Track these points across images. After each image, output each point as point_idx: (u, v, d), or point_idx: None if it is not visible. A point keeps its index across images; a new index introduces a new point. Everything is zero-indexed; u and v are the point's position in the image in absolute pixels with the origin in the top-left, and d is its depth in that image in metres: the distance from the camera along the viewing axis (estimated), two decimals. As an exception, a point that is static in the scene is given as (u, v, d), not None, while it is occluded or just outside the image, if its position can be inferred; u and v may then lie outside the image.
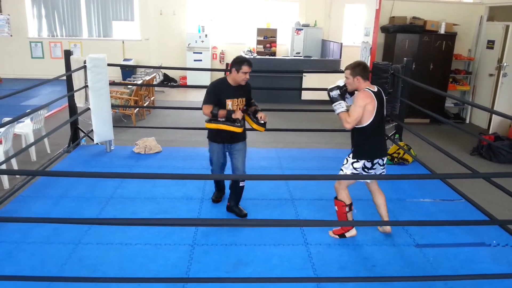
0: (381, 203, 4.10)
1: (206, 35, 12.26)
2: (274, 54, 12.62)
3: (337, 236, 4.08)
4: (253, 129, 4.40)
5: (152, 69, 10.95)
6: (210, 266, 3.61)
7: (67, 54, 6.21)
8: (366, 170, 3.85)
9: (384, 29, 8.58)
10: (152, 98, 9.32)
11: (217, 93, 4.18)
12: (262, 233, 4.11)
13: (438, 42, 8.49)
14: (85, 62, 6.02)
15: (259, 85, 10.10)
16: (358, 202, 4.63)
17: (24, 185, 4.94)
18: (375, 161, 3.84)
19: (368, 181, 4.06)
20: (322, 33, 12.48)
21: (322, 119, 8.72)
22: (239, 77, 4.19)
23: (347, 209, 3.93)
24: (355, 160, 3.86)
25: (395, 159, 6.16)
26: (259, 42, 12.70)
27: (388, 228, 4.14)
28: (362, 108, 3.66)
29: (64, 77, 6.12)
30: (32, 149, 5.92)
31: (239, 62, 4.19)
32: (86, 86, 6.20)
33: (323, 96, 10.49)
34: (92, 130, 6.21)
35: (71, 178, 5.14)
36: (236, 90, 4.24)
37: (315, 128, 7.79)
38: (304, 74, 10.00)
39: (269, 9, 12.87)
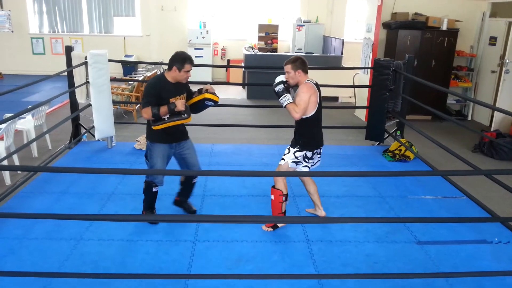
0: (314, 191, 4.23)
1: (207, 31, 12.23)
2: (275, 50, 12.60)
3: (270, 229, 4.09)
4: (209, 104, 4.16)
5: (153, 65, 10.92)
6: (212, 263, 3.61)
7: (68, 50, 6.19)
8: (306, 160, 3.99)
9: (386, 25, 8.55)
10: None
11: (158, 93, 3.82)
12: (263, 229, 4.10)
13: (440, 39, 8.46)
14: (86, 58, 6.01)
15: (261, 82, 10.13)
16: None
17: (26, 181, 4.95)
18: (315, 151, 4.01)
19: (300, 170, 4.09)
20: (324, 29, 12.44)
21: (323, 115, 8.69)
22: (180, 76, 3.85)
23: (283, 198, 4.00)
24: (297, 149, 3.98)
25: (397, 156, 6.15)
26: (260, 38, 12.67)
27: (324, 215, 4.31)
28: (308, 98, 3.80)
29: (65, 73, 6.11)
30: (34, 145, 5.92)
31: (181, 60, 3.82)
32: (87, 82, 6.19)
33: (325, 92, 10.46)
34: (93, 126, 6.21)
35: (73, 174, 5.15)
36: (177, 88, 3.95)
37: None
38: (305, 70, 9.95)
39: (270, 5, 12.83)
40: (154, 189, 4.13)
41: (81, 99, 6.37)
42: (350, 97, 10.16)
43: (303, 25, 12.18)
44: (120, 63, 11.85)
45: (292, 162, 4.00)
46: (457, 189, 5.10)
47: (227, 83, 12.45)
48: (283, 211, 4.07)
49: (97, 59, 5.90)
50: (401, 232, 4.15)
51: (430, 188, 5.20)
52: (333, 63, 10.52)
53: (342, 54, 10.63)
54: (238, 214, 4.41)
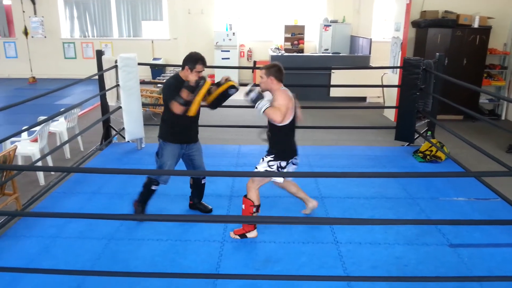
0: (296, 190, 4.20)
1: (233, 33, 12.29)
2: (302, 51, 12.54)
3: (237, 237, 3.98)
4: (232, 92, 4.11)
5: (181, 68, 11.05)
6: (240, 263, 3.62)
7: (99, 54, 6.34)
8: (280, 169, 3.87)
9: (415, 23, 8.39)
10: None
11: (178, 90, 3.85)
12: (291, 230, 4.09)
13: (472, 37, 8.24)
14: (116, 61, 6.14)
15: (287, 83, 10.09)
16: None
17: (59, 182, 5.09)
18: (290, 160, 3.90)
19: (278, 180, 4.04)
20: (351, 29, 12.31)
21: (351, 116, 8.64)
22: (192, 76, 3.88)
23: (254, 209, 3.87)
24: (272, 159, 3.87)
25: (428, 157, 6.02)
26: (286, 39, 12.64)
27: (315, 204, 4.28)
28: (287, 104, 3.71)
29: (96, 77, 6.25)
30: (66, 147, 6.08)
31: (193, 60, 3.89)
32: (117, 85, 6.31)
33: (352, 93, 10.46)
34: (123, 128, 6.33)
35: (104, 174, 5.26)
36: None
37: (344, 125, 7.71)
38: (332, 71, 9.90)
39: (296, 5, 12.79)
40: (153, 187, 4.21)
41: (111, 102, 6.50)
42: (379, 97, 10.02)
43: (330, 25, 12.08)
44: (149, 66, 12.04)
45: (265, 171, 3.89)
46: (491, 190, 4.94)
47: (254, 85, 12.44)
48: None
49: (127, 62, 6.01)
50: (433, 235, 4.06)
51: (463, 190, 5.07)
52: (361, 63, 10.39)
53: (370, 53, 10.49)
54: (265, 214, 4.41)
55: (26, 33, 12.69)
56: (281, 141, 3.88)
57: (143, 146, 6.46)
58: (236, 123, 7.59)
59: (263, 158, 3.97)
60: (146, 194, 4.26)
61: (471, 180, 5.25)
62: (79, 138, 6.36)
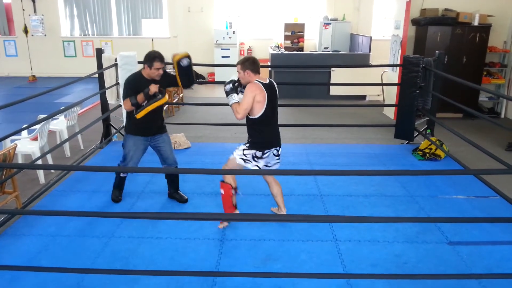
0: (277, 192, 4.19)
1: (233, 32, 12.29)
2: (301, 49, 12.54)
3: (226, 223, 4.12)
4: (186, 63, 4.20)
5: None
6: (239, 261, 3.63)
7: (99, 52, 6.34)
8: (256, 159, 3.92)
9: (415, 21, 8.39)
10: (181, 95, 9.42)
11: (135, 88, 4.07)
12: (290, 228, 4.10)
13: (472, 35, 8.24)
14: (116, 60, 6.14)
15: (287, 81, 10.11)
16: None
17: (59, 180, 5.10)
18: (266, 151, 3.94)
19: (250, 167, 4.02)
20: (351, 27, 12.30)
21: (351, 114, 8.64)
22: (152, 73, 4.10)
23: (233, 192, 3.98)
24: (246, 148, 3.95)
25: (427, 155, 6.03)
26: (286, 38, 12.63)
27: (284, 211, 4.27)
28: (251, 98, 3.74)
29: (96, 75, 6.26)
30: (66, 145, 6.08)
31: (151, 58, 4.08)
32: (117, 84, 6.32)
33: (352, 91, 10.47)
34: (123, 127, 6.33)
35: (104, 173, 5.27)
36: (156, 83, 4.14)
37: (344, 123, 7.71)
38: (332, 69, 9.90)
39: (296, 3, 12.78)
40: (122, 175, 4.63)
41: (111, 100, 6.51)
42: (378, 95, 10.02)
43: (330, 23, 12.08)
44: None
45: (240, 159, 3.95)
46: (490, 188, 4.95)
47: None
48: (234, 204, 4.04)
49: (127, 60, 6.01)
50: (432, 232, 4.07)
51: (462, 188, 5.07)
52: (361, 61, 10.40)
53: (369, 51, 10.48)
54: (265, 213, 4.42)
55: (26, 31, 12.67)
56: (255, 132, 3.93)
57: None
58: (236, 121, 7.58)
59: (240, 146, 4.04)
60: (118, 181, 4.65)
61: (471, 178, 5.26)
62: (79, 136, 6.36)
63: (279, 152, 4.08)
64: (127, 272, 3.37)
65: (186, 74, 4.25)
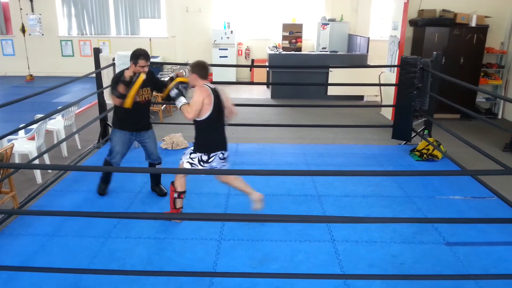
0: (240, 184, 4.21)
1: (231, 32, 12.29)
2: (299, 49, 12.54)
3: (168, 218, 4.24)
4: (183, 87, 4.20)
5: (178, 66, 11.05)
6: (237, 261, 3.63)
7: (96, 52, 6.33)
8: (202, 163, 4.00)
9: (412, 22, 8.41)
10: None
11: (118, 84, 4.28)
12: (288, 229, 4.10)
13: (469, 35, 8.26)
14: (113, 59, 6.13)
15: (285, 81, 10.12)
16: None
17: (56, 180, 5.08)
18: (212, 154, 4.01)
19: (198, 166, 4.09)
20: (349, 28, 12.32)
21: (348, 114, 8.65)
22: (137, 70, 4.27)
23: (176, 195, 4.14)
24: (192, 151, 4.04)
25: (424, 155, 6.04)
26: (284, 38, 12.63)
27: (257, 194, 4.23)
28: (201, 100, 3.86)
29: (94, 75, 6.25)
30: (64, 145, 6.07)
31: (135, 56, 4.26)
32: (114, 83, 6.29)
33: (350, 91, 10.47)
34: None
35: (99, 173, 5.25)
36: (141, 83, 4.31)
37: (341, 124, 7.72)
38: (330, 69, 9.91)
39: (294, 4, 12.79)
40: (157, 166, 4.79)
41: (109, 100, 6.48)
42: (376, 95, 10.03)
43: (328, 24, 12.08)
44: (146, 64, 12.01)
45: (187, 162, 4.02)
46: (487, 189, 4.95)
47: (252, 83, 12.48)
48: (177, 207, 4.15)
49: (124, 60, 5.99)
50: (429, 233, 4.08)
51: (459, 188, 5.09)
52: (359, 61, 10.41)
53: (367, 52, 10.50)
54: (262, 213, 4.42)
55: (23, 30, 12.63)
56: (201, 135, 4.02)
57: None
58: (233, 121, 7.58)
59: (188, 151, 4.14)
60: (105, 175, 4.81)
61: (468, 179, 5.27)
62: (76, 136, 6.35)
63: (225, 156, 4.14)
64: (124, 273, 3.36)
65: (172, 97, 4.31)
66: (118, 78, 4.31)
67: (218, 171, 4.32)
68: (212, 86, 4.01)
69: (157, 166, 4.79)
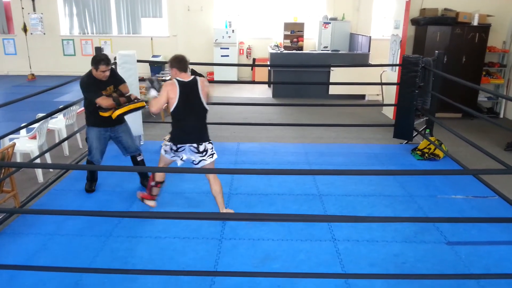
0: (217, 192, 4.22)
1: (233, 31, 12.28)
2: (301, 48, 12.53)
3: (140, 198, 4.45)
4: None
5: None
6: (238, 260, 3.63)
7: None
8: (174, 152, 4.11)
9: (414, 21, 8.39)
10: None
11: (97, 88, 4.44)
12: (289, 228, 4.10)
13: (471, 34, 8.24)
14: (115, 58, 6.12)
15: (286, 80, 10.11)
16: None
17: (58, 179, 5.09)
18: (179, 145, 4.07)
19: (166, 156, 4.20)
20: (350, 27, 12.30)
21: (350, 113, 8.64)
22: (98, 75, 4.41)
23: (153, 183, 4.32)
24: (167, 139, 4.15)
25: (426, 155, 6.03)
26: (286, 37, 12.62)
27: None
28: (165, 94, 3.98)
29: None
30: (65, 144, 6.08)
31: (96, 62, 4.38)
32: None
33: (351, 90, 10.46)
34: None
35: (103, 172, 5.26)
36: (105, 83, 4.51)
37: (343, 123, 7.71)
38: (331, 68, 9.91)
39: (296, 3, 12.77)
40: (139, 158, 4.93)
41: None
42: (378, 94, 10.02)
43: (329, 23, 12.07)
44: (148, 63, 12.02)
45: (163, 150, 4.17)
46: (489, 188, 4.95)
47: (253, 82, 12.47)
48: (152, 194, 4.35)
49: (126, 59, 6.00)
50: (430, 232, 4.07)
51: (461, 188, 5.08)
52: (360, 60, 10.40)
53: (369, 51, 10.48)
54: (264, 212, 4.42)
55: (25, 29, 12.65)
56: (173, 126, 4.12)
57: (142, 143, 6.46)
58: (235, 120, 7.60)
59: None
60: (89, 174, 4.93)
61: (469, 178, 5.26)
62: (77, 135, 6.35)
63: (201, 150, 4.08)
64: (125, 272, 3.36)
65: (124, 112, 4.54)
66: (93, 84, 4.44)
67: (213, 170, 4.31)
68: (187, 79, 4.03)
69: (138, 158, 4.91)
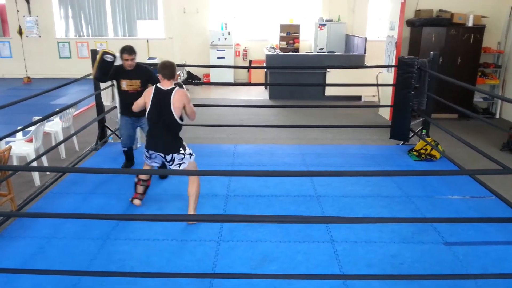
0: (193, 193, 4.24)
1: (229, 33, 12.29)
2: (297, 50, 12.56)
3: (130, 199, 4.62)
4: (109, 59, 4.95)
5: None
6: (236, 262, 3.62)
7: (94, 53, 6.29)
8: (147, 158, 4.27)
9: (409, 22, 8.43)
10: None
11: (114, 73, 5.08)
12: (287, 229, 4.10)
13: (466, 35, 8.28)
14: (111, 61, 6.11)
15: (282, 82, 10.12)
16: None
17: (54, 182, 5.07)
18: (150, 151, 4.20)
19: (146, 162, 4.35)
20: (346, 28, 12.34)
21: (346, 115, 8.66)
22: (124, 63, 5.02)
23: (135, 179, 4.50)
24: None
25: (423, 155, 6.05)
26: (282, 39, 12.65)
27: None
28: (143, 98, 4.22)
29: (91, 76, 6.22)
30: (62, 147, 6.05)
31: (120, 51, 5.02)
32: (112, 85, 6.30)
33: (347, 92, 10.50)
34: (118, 128, 6.31)
35: (99, 174, 5.25)
36: (130, 73, 5.08)
37: (339, 124, 7.73)
38: (327, 70, 9.93)
39: (292, 5, 12.80)
40: (123, 149, 5.49)
41: (106, 102, 6.49)
42: (374, 96, 10.05)
43: (325, 24, 12.11)
44: (144, 66, 12.01)
45: (144, 155, 4.31)
46: (486, 188, 4.96)
47: (249, 84, 12.49)
48: (137, 191, 4.51)
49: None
50: (428, 233, 4.08)
51: (457, 188, 5.10)
52: (356, 62, 10.42)
53: (365, 52, 10.52)
54: (261, 214, 4.42)
55: (20, 32, 12.62)
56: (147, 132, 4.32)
57: (138, 146, 6.44)
58: (231, 122, 7.59)
59: None
60: (125, 154, 5.55)
61: (466, 178, 5.28)
62: (74, 138, 6.33)
63: (168, 159, 4.14)
64: (123, 275, 3.35)
65: (104, 68, 4.99)
66: (115, 69, 5.07)
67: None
68: (168, 87, 4.06)
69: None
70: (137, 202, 4.54)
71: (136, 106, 4.31)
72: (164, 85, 4.08)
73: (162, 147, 4.14)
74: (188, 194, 4.25)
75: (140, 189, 4.52)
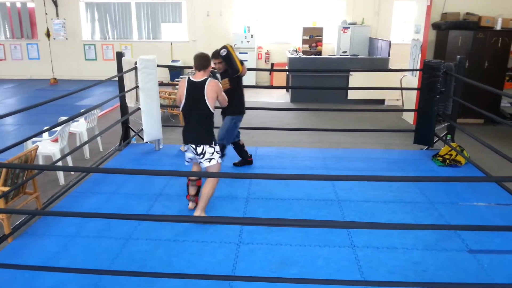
0: (206, 194, 4.24)
1: (251, 35, 12.33)
2: (320, 53, 12.50)
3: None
4: None
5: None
6: (255, 265, 3.61)
7: (119, 56, 6.41)
8: (185, 151, 4.32)
9: (435, 26, 8.28)
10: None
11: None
12: (307, 233, 4.07)
13: (494, 39, 8.09)
14: (136, 63, 6.20)
15: (305, 85, 10.08)
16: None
17: (79, 182, 5.17)
18: (187, 145, 4.24)
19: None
20: (370, 31, 12.22)
21: (369, 118, 8.56)
22: (215, 67, 5.07)
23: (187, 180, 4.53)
24: None
25: (447, 161, 5.93)
26: (304, 42, 12.61)
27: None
28: (180, 91, 4.22)
29: (116, 78, 6.33)
30: (86, 147, 6.17)
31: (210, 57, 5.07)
32: (136, 87, 6.38)
33: (371, 95, 10.39)
34: (142, 129, 6.40)
35: (122, 175, 5.32)
36: (223, 75, 5.13)
37: (362, 128, 7.64)
38: (350, 73, 9.84)
39: (315, 7, 12.76)
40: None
41: (130, 103, 6.57)
42: (397, 99, 9.91)
43: (349, 27, 12.01)
44: (167, 68, 12.15)
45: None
46: (513, 196, 4.84)
47: (271, 87, 12.48)
48: (189, 193, 4.52)
49: (146, 64, 6.07)
50: (452, 240, 3.99)
51: (483, 195, 4.97)
52: (380, 65, 10.30)
53: (389, 56, 10.39)
54: (281, 217, 4.40)
55: (48, 35, 12.95)
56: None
57: (161, 147, 6.51)
58: (253, 125, 7.60)
59: None
60: (223, 148, 5.31)
61: (492, 185, 5.15)
62: (98, 138, 6.44)
63: (199, 152, 4.18)
64: (144, 274, 3.38)
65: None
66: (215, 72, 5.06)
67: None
68: (200, 79, 4.11)
69: (239, 142, 5.69)
70: (189, 205, 4.54)
71: (177, 98, 4.34)
72: (196, 76, 4.13)
73: (194, 138, 4.18)
74: (201, 193, 4.29)
75: (191, 190, 4.51)
